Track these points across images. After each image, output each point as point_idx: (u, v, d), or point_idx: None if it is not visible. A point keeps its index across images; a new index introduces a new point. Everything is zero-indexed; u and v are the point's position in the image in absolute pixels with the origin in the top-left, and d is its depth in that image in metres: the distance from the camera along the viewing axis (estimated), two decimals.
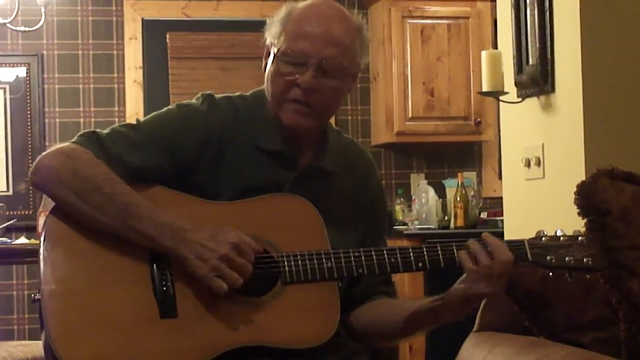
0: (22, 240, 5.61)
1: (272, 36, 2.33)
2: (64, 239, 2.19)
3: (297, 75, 2.27)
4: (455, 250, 2.22)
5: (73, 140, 2.27)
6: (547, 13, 3.78)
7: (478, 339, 2.85)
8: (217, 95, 2.38)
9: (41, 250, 2.17)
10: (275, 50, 2.30)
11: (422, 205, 6.71)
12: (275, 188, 2.31)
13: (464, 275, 2.21)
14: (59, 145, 2.26)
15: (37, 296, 2.15)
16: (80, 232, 2.19)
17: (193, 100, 2.37)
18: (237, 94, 2.42)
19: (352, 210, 2.41)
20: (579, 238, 2.25)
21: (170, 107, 2.37)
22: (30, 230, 6.15)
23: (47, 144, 6.56)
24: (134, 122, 2.34)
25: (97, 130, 2.30)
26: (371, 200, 2.47)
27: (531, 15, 3.87)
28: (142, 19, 6.81)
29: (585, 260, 2.22)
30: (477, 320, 2.93)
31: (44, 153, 2.26)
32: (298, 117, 2.30)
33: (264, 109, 2.36)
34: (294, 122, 2.30)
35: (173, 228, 2.15)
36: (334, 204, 2.36)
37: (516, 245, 2.23)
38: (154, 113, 2.37)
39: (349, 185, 2.43)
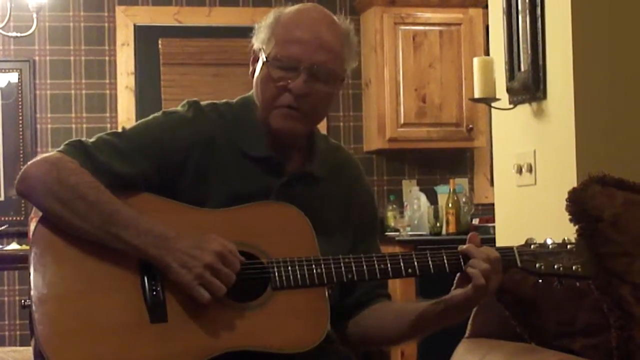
0: (14, 246, 5.60)
1: (260, 41, 2.34)
2: (54, 246, 2.19)
3: (288, 81, 2.28)
4: (444, 256, 2.22)
5: (59, 149, 2.27)
6: (539, 20, 3.78)
7: (470, 346, 2.85)
8: (203, 102, 2.39)
9: (31, 258, 2.17)
10: (265, 55, 2.31)
11: (414, 212, 6.71)
12: (263, 194, 2.31)
13: (456, 282, 2.23)
14: (44, 155, 2.27)
15: (27, 302, 2.15)
16: (70, 239, 2.19)
17: (179, 108, 2.38)
18: (224, 100, 2.42)
19: (341, 215, 2.42)
20: (568, 246, 2.26)
21: (155, 114, 2.38)
22: (22, 236, 6.14)
23: (38, 149, 6.55)
24: (120, 130, 2.34)
25: (83, 139, 2.30)
26: (361, 205, 2.47)
27: (523, 22, 3.88)
28: (134, 25, 6.80)
29: (574, 267, 2.23)
30: (468, 327, 2.93)
31: (29, 162, 2.26)
32: (288, 122, 2.31)
33: (251, 116, 2.37)
34: (284, 127, 2.31)
35: (157, 236, 2.15)
36: (322, 210, 2.36)
37: (505, 253, 2.24)
38: (140, 121, 2.38)
39: (338, 190, 2.43)
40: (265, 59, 2.30)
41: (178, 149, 2.28)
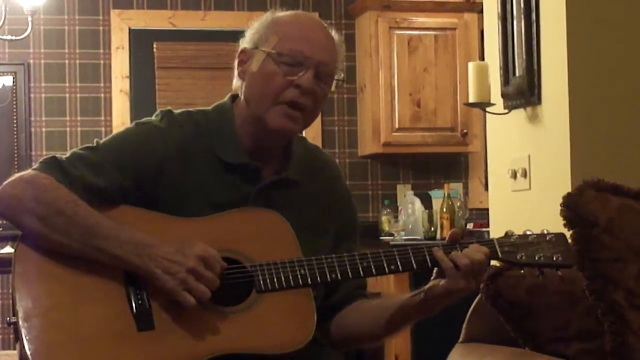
0: (7, 249, 5.59)
1: (254, 41, 2.33)
2: (36, 262, 2.19)
3: (298, 75, 2.26)
4: (426, 252, 2.23)
5: (34, 167, 2.27)
6: (534, 25, 3.79)
7: (464, 350, 2.85)
8: (176, 111, 2.38)
9: (14, 276, 2.17)
10: (268, 50, 2.29)
11: (409, 216, 6.71)
12: (241, 201, 2.31)
13: (436, 272, 2.24)
14: (19, 174, 2.26)
15: (13, 319, 2.15)
16: (51, 254, 2.19)
17: (152, 118, 2.37)
18: (198, 108, 2.41)
19: (321, 218, 2.41)
20: (547, 236, 2.27)
21: (129, 126, 2.37)
22: (16, 240, 6.12)
23: (33, 153, 6.54)
24: (94, 143, 2.33)
25: (57, 155, 2.30)
26: (340, 206, 2.47)
27: (518, 26, 3.89)
28: (129, 29, 6.80)
29: (555, 257, 2.24)
30: (463, 331, 2.93)
31: (4, 182, 2.25)
32: (288, 123, 2.29)
33: (227, 122, 2.36)
34: (282, 126, 2.29)
35: (138, 245, 2.15)
36: (301, 213, 2.36)
37: (485, 244, 2.25)
38: (114, 133, 2.38)
39: (316, 192, 2.43)
40: (269, 53, 2.28)
41: (153, 160, 2.28)
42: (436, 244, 2.25)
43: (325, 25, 2.37)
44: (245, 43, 2.37)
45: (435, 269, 2.24)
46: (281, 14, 2.36)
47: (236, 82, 2.39)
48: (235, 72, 2.39)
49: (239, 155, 2.33)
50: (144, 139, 2.31)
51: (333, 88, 2.37)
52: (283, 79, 2.27)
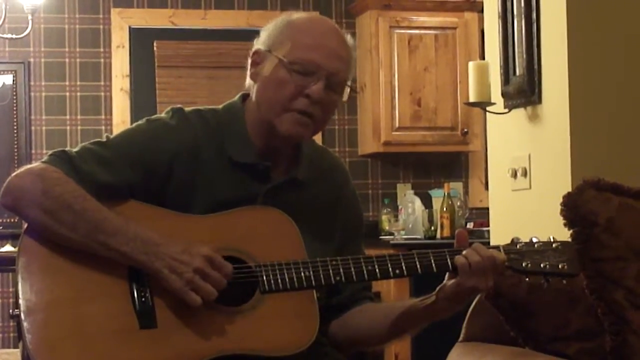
0: (8, 248, 5.60)
1: (268, 44, 2.31)
2: (40, 255, 2.18)
3: (311, 85, 2.26)
4: (431, 256, 2.22)
5: (43, 160, 2.26)
6: (534, 24, 3.79)
7: (464, 349, 2.85)
8: (187, 109, 2.37)
9: (18, 268, 2.17)
10: (281, 57, 2.27)
11: (409, 215, 6.72)
12: (249, 201, 2.30)
13: (448, 275, 2.23)
14: (28, 166, 2.26)
15: (16, 312, 2.15)
16: (56, 248, 2.18)
17: (162, 115, 2.36)
18: (209, 107, 2.40)
19: (327, 219, 2.41)
20: (554, 244, 2.26)
21: (139, 122, 2.36)
22: (16, 238, 6.09)
23: (33, 151, 6.55)
24: (104, 138, 2.33)
25: (67, 149, 2.29)
26: (347, 209, 2.47)
27: (518, 26, 3.89)
28: (130, 27, 6.80)
29: (560, 265, 2.24)
30: (463, 331, 2.93)
31: (13, 174, 2.25)
32: (299, 128, 2.28)
33: (237, 122, 2.35)
34: (293, 132, 2.28)
35: (145, 242, 2.15)
36: (308, 214, 2.35)
37: None
38: (124, 129, 2.38)
39: (323, 194, 2.42)
40: (281, 60, 2.27)
41: (162, 157, 2.27)
42: (441, 250, 2.24)
43: (340, 30, 2.34)
44: (259, 44, 2.35)
45: (448, 273, 2.23)
46: (296, 17, 2.34)
47: (248, 83, 2.38)
48: (248, 73, 2.37)
49: (249, 155, 2.32)
50: (155, 136, 2.30)
51: (345, 97, 2.35)
52: (294, 88, 2.26)
